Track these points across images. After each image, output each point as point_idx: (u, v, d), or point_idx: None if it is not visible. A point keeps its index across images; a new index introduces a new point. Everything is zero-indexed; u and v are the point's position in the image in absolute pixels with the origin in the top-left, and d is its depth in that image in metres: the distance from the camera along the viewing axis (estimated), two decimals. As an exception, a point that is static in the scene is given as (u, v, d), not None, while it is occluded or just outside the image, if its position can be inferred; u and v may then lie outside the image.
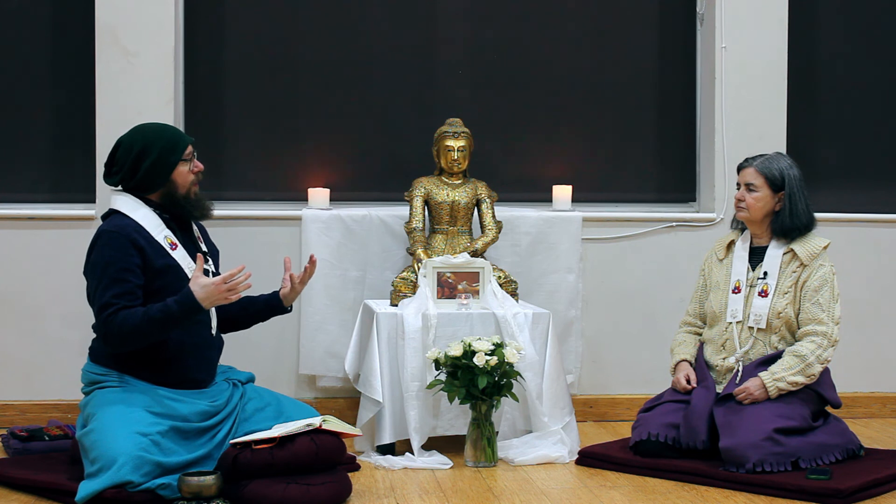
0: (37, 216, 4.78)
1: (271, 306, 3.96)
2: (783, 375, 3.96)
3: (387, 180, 5.06)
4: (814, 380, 4.00)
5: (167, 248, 3.70)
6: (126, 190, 3.77)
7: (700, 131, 5.27)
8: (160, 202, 3.77)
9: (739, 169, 4.21)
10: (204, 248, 3.89)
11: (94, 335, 3.76)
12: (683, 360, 4.21)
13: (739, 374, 4.07)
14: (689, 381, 4.13)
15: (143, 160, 3.72)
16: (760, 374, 3.99)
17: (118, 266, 3.59)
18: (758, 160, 4.17)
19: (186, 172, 3.79)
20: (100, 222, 3.78)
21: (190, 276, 3.70)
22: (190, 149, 3.81)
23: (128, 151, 3.74)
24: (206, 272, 3.69)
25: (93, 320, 3.74)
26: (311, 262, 3.94)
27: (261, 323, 4.06)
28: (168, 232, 3.73)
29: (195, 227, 3.91)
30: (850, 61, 5.38)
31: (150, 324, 3.53)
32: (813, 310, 4.04)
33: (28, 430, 4.24)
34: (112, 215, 3.74)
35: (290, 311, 4.03)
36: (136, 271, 3.61)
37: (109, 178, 3.80)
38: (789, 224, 4.11)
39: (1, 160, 4.91)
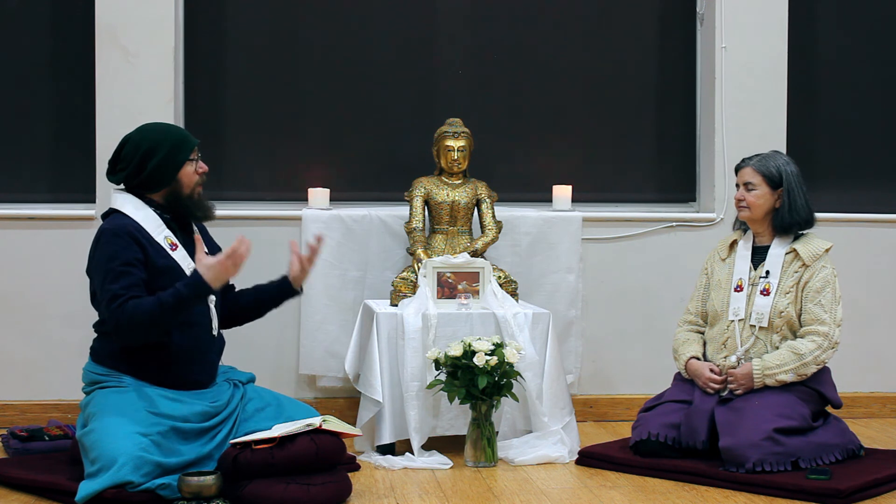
0: (37, 216, 4.78)
1: (283, 290, 3.95)
2: (774, 373, 3.97)
3: (387, 180, 5.06)
4: (804, 378, 4.01)
5: (167, 248, 3.70)
6: (129, 188, 3.77)
7: (700, 131, 5.27)
8: (162, 202, 3.77)
9: (737, 169, 4.22)
10: (205, 249, 3.88)
11: (96, 335, 3.76)
12: (692, 358, 4.19)
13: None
14: (714, 373, 4.09)
15: (151, 158, 3.72)
16: (753, 363, 4.00)
17: (122, 260, 3.58)
18: (754, 159, 4.18)
19: (192, 173, 3.79)
20: (100, 222, 3.78)
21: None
22: (196, 150, 3.81)
23: (135, 149, 3.74)
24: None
25: (94, 319, 3.74)
26: (318, 240, 3.92)
27: (274, 309, 4.03)
28: (168, 232, 3.73)
29: (195, 228, 3.91)
30: (849, 61, 5.39)
31: (161, 309, 3.50)
32: (815, 310, 4.04)
33: (28, 430, 4.24)
34: (112, 214, 3.73)
35: (302, 292, 4.02)
36: (139, 266, 3.61)
37: (113, 176, 3.80)
38: (789, 219, 4.11)
39: (1, 160, 4.91)
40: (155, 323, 3.54)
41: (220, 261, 3.55)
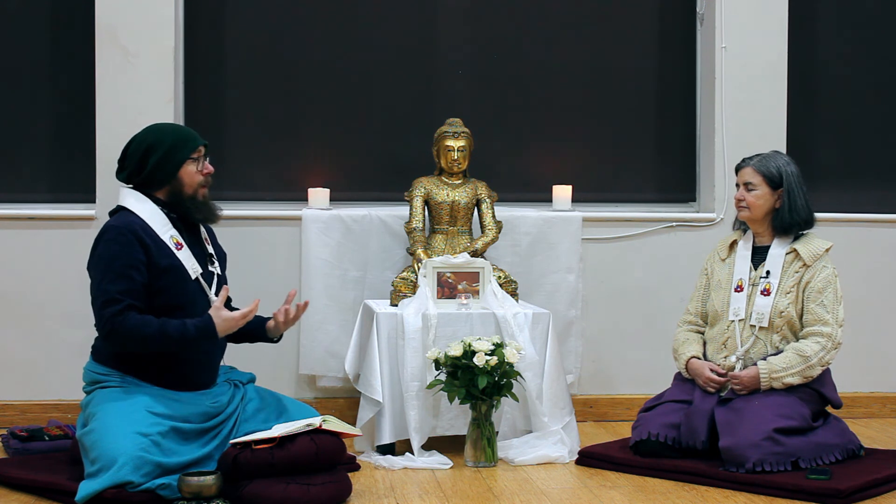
0: (37, 216, 4.78)
1: (259, 334, 3.94)
2: (781, 376, 3.97)
3: (387, 180, 5.06)
4: (809, 380, 4.01)
5: (172, 247, 3.69)
6: (135, 187, 3.78)
7: (700, 131, 5.27)
8: (167, 201, 3.77)
9: (737, 169, 4.22)
10: (210, 250, 3.88)
11: (97, 334, 3.75)
12: (693, 358, 4.19)
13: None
14: (715, 373, 4.08)
15: (151, 156, 3.72)
16: (759, 365, 4.00)
17: (123, 262, 3.58)
18: (755, 159, 4.18)
19: (194, 172, 3.77)
20: (100, 222, 3.78)
21: (193, 278, 3.71)
22: (202, 150, 3.80)
23: (138, 147, 3.75)
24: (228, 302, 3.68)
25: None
26: (304, 305, 3.90)
27: (248, 343, 4.02)
28: (174, 231, 3.73)
29: (203, 229, 3.90)
30: (850, 61, 5.39)
31: (163, 338, 3.54)
32: (818, 311, 4.04)
33: (28, 430, 4.24)
34: (119, 212, 3.73)
35: (278, 341, 4.02)
36: (140, 269, 3.60)
37: (120, 174, 3.82)
38: (789, 220, 4.11)
39: (1, 160, 4.91)
40: (151, 345, 3.57)
41: (236, 318, 3.62)
